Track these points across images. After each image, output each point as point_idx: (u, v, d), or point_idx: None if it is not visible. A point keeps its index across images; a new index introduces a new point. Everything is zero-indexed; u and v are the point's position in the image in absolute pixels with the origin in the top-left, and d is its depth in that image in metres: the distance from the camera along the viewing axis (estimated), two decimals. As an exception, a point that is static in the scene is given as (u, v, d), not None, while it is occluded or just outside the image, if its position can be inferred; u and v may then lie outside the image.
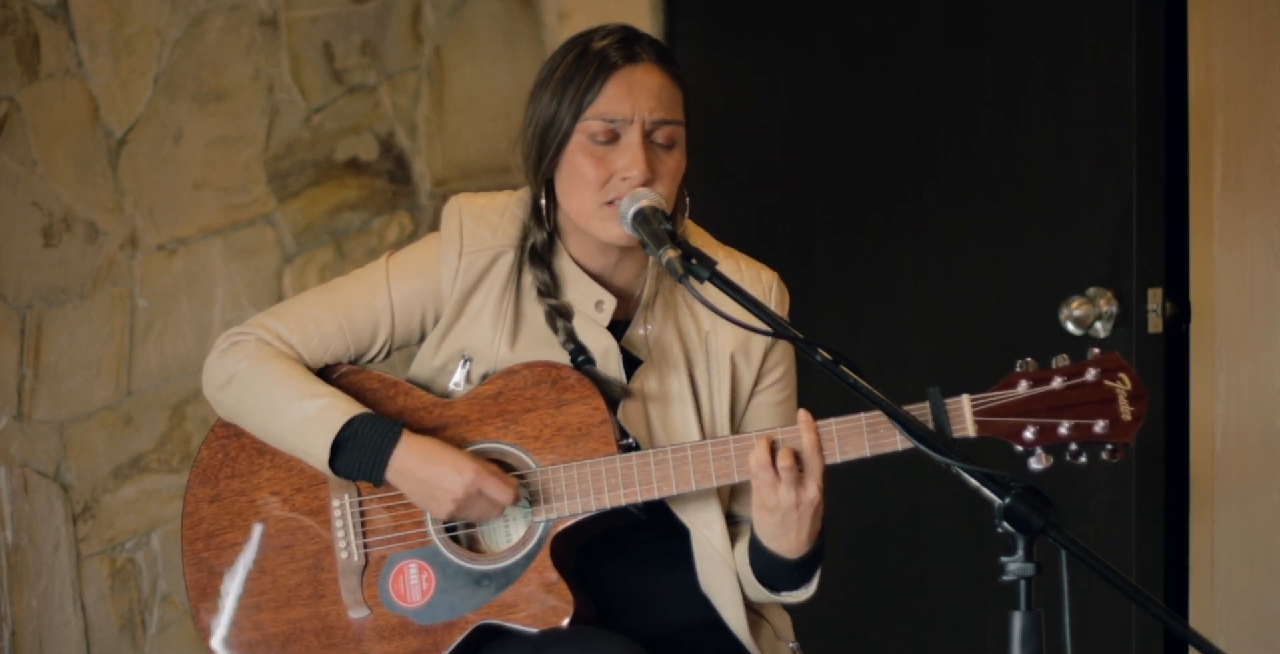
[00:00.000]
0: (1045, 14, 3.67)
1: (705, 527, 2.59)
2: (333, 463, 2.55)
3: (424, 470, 2.52)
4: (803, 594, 2.58)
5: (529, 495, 2.56)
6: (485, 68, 4.25)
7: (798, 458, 2.45)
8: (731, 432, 2.63)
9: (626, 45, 2.55)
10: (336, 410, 2.55)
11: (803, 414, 2.47)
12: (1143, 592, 2.21)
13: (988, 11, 3.74)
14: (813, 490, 2.46)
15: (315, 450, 2.55)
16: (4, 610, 3.48)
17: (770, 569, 2.55)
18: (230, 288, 3.85)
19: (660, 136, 2.53)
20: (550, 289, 2.60)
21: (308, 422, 2.55)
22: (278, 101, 3.92)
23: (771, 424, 2.64)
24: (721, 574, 2.60)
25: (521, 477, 2.57)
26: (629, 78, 2.53)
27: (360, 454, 2.54)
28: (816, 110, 4.00)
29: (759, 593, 2.59)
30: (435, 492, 2.52)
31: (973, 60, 3.76)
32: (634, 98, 2.52)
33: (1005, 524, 2.20)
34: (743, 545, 2.59)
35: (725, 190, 4.10)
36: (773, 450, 2.46)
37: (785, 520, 2.48)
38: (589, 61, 2.54)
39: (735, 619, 2.61)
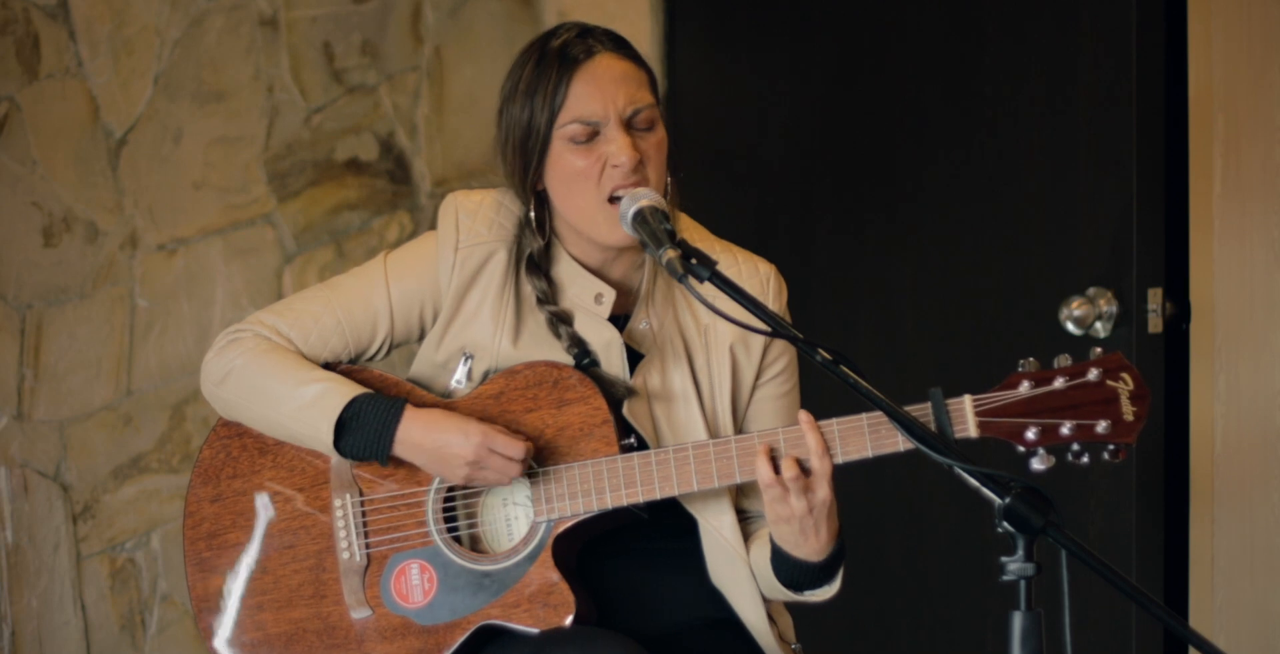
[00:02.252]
0: (1045, 14, 3.67)
1: (714, 518, 2.59)
2: (338, 444, 2.55)
3: (431, 440, 2.53)
4: (827, 591, 2.57)
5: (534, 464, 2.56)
6: (485, 68, 4.25)
7: (801, 464, 2.45)
8: (735, 426, 2.63)
9: (581, 40, 2.55)
10: (337, 393, 2.56)
11: (804, 416, 2.46)
12: (1143, 592, 2.21)
13: (988, 11, 3.74)
14: (824, 492, 2.45)
15: (319, 434, 2.55)
16: (4, 610, 3.48)
17: (796, 573, 2.54)
18: (230, 288, 3.85)
19: (639, 122, 2.54)
20: (549, 296, 2.61)
21: (308, 406, 2.55)
22: (278, 101, 3.92)
23: (774, 418, 2.64)
24: (734, 566, 2.59)
25: (523, 475, 2.57)
26: (592, 73, 2.53)
27: (365, 433, 2.54)
28: (816, 110, 4.00)
29: (779, 592, 2.58)
30: (446, 458, 2.52)
31: (973, 60, 3.76)
32: (603, 93, 2.52)
33: (1005, 524, 2.20)
34: (759, 550, 2.58)
35: (725, 190, 4.10)
36: (774, 460, 2.45)
37: (803, 527, 2.47)
38: (549, 64, 2.54)
39: (752, 611, 2.60)
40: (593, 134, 2.53)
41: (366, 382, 2.63)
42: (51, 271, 3.57)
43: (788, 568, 2.54)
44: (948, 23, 3.79)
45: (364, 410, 2.54)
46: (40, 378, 3.55)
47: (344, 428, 2.55)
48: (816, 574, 2.53)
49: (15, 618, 3.50)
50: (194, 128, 3.79)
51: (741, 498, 2.64)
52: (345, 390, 2.56)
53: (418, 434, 2.53)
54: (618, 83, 2.53)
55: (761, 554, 2.58)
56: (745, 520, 2.63)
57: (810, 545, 2.49)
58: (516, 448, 2.52)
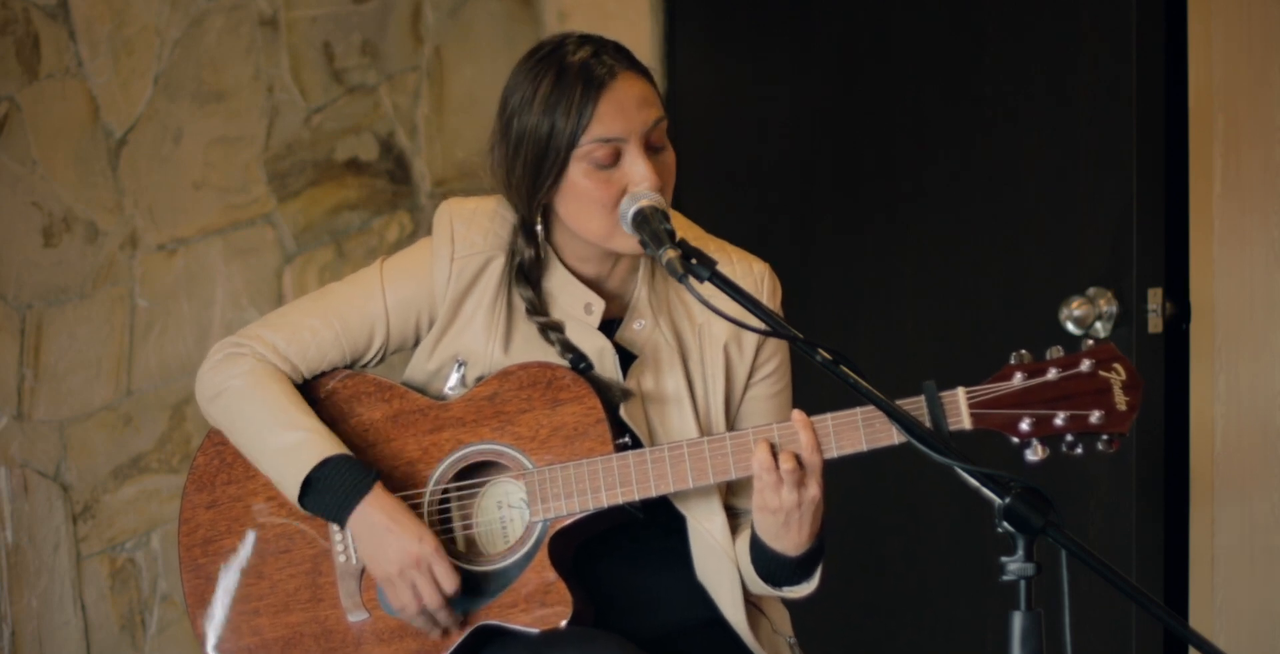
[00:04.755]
0: (1045, 14, 3.67)
1: (705, 518, 2.60)
2: (302, 498, 2.56)
3: (388, 523, 2.53)
4: (805, 589, 2.58)
5: (525, 497, 2.56)
6: (485, 68, 4.25)
7: (798, 459, 2.46)
8: (727, 425, 2.63)
9: (599, 59, 2.52)
10: (314, 447, 2.56)
11: (798, 414, 2.47)
12: (1143, 592, 2.21)
13: (988, 12, 3.74)
14: (814, 489, 2.46)
15: (287, 482, 2.56)
16: (4, 610, 3.48)
17: (772, 566, 2.55)
18: (230, 288, 3.85)
19: (654, 139, 2.53)
20: (537, 307, 2.60)
21: (285, 452, 2.56)
22: (278, 101, 3.92)
23: (767, 417, 2.64)
24: (720, 565, 2.60)
25: (518, 476, 2.57)
26: (616, 95, 2.50)
27: (330, 497, 2.54)
28: (816, 110, 4.00)
29: (760, 587, 2.60)
30: (388, 547, 2.52)
31: (973, 60, 3.76)
32: (627, 114, 2.50)
33: (1005, 524, 2.20)
34: (743, 541, 2.59)
35: (725, 190, 4.10)
36: (773, 452, 2.46)
37: (788, 520, 2.48)
38: (571, 82, 2.50)
39: (733, 611, 2.61)
40: (614, 154, 2.51)
41: (362, 386, 2.64)
42: (51, 271, 3.57)
43: (764, 559, 2.55)
44: (948, 23, 3.79)
45: (334, 475, 2.54)
46: (40, 378, 3.55)
47: (310, 485, 2.55)
48: (792, 569, 2.54)
49: (15, 618, 3.50)
50: (194, 128, 3.79)
51: (731, 496, 2.64)
52: (322, 447, 2.56)
53: (378, 515, 2.53)
54: (639, 102, 2.52)
55: (742, 544, 2.59)
56: (733, 516, 2.64)
57: (790, 539, 2.50)
58: (451, 580, 2.51)
